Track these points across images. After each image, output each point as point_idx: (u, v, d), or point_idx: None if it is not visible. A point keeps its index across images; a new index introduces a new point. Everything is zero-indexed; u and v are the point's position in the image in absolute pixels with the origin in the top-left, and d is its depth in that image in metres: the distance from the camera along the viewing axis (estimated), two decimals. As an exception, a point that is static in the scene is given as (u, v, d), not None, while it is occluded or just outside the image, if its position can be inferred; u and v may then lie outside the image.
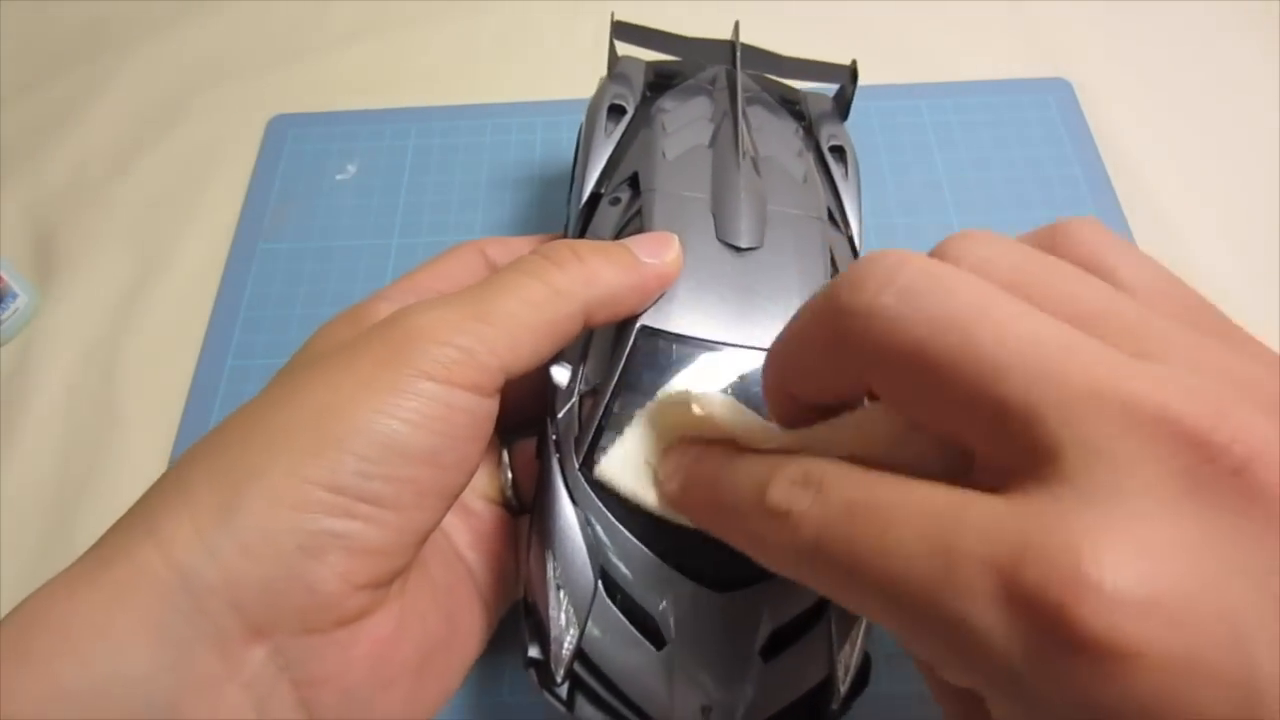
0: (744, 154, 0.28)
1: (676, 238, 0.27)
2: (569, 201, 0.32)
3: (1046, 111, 0.45)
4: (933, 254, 0.18)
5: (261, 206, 0.44)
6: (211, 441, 0.22)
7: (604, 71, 0.35)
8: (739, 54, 0.32)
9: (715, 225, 0.27)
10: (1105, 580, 0.13)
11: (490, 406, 0.23)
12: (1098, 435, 0.14)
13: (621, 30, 0.34)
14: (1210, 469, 0.13)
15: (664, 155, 0.29)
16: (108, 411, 0.39)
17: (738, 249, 0.26)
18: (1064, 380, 0.14)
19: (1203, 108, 0.46)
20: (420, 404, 0.22)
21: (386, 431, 0.21)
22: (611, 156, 0.31)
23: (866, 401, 0.19)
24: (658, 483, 0.23)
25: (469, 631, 0.27)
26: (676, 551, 0.24)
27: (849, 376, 0.17)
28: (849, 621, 0.25)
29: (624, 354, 0.25)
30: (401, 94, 0.48)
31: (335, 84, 0.49)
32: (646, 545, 0.24)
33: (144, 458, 0.37)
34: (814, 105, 0.35)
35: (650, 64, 0.35)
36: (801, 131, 0.33)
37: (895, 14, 0.50)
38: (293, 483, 0.20)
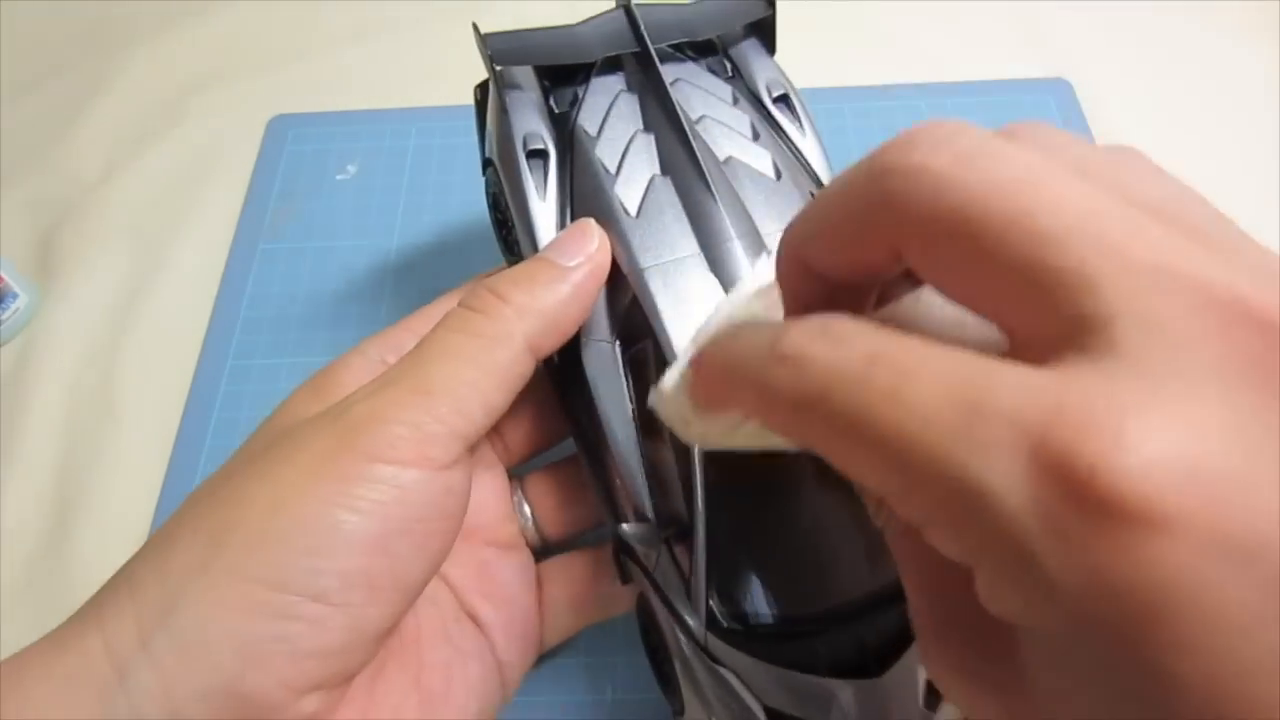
0: (711, 180, 0.26)
1: (593, 221, 0.25)
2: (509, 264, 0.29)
3: (1046, 111, 0.45)
4: (992, 131, 0.17)
5: (261, 206, 0.44)
6: (165, 533, 0.22)
7: None
8: (644, 30, 0.29)
9: (724, 292, 0.24)
10: (1146, 447, 0.12)
11: (450, 480, 0.22)
12: (1158, 310, 0.13)
13: (495, 45, 0.28)
14: (1277, 357, 0.12)
15: (625, 210, 0.26)
16: (108, 411, 0.39)
17: None
18: (1126, 253, 0.13)
19: (1202, 108, 0.46)
20: (367, 489, 0.21)
21: (331, 522, 0.20)
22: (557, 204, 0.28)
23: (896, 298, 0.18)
24: (681, 375, 0.21)
25: (479, 706, 0.26)
26: (827, 659, 0.23)
27: (882, 244, 0.16)
28: None
29: (699, 491, 0.23)
30: (401, 94, 0.48)
31: (335, 84, 0.49)
32: (796, 668, 0.23)
33: (144, 458, 0.37)
34: (729, 38, 0.31)
35: (536, 67, 0.30)
36: (736, 95, 0.29)
37: (896, 14, 0.50)
38: (233, 580, 0.20)
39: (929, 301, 0.18)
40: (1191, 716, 0.12)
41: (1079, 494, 0.12)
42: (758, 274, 0.23)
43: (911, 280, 0.19)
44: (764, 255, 0.24)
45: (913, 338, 0.15)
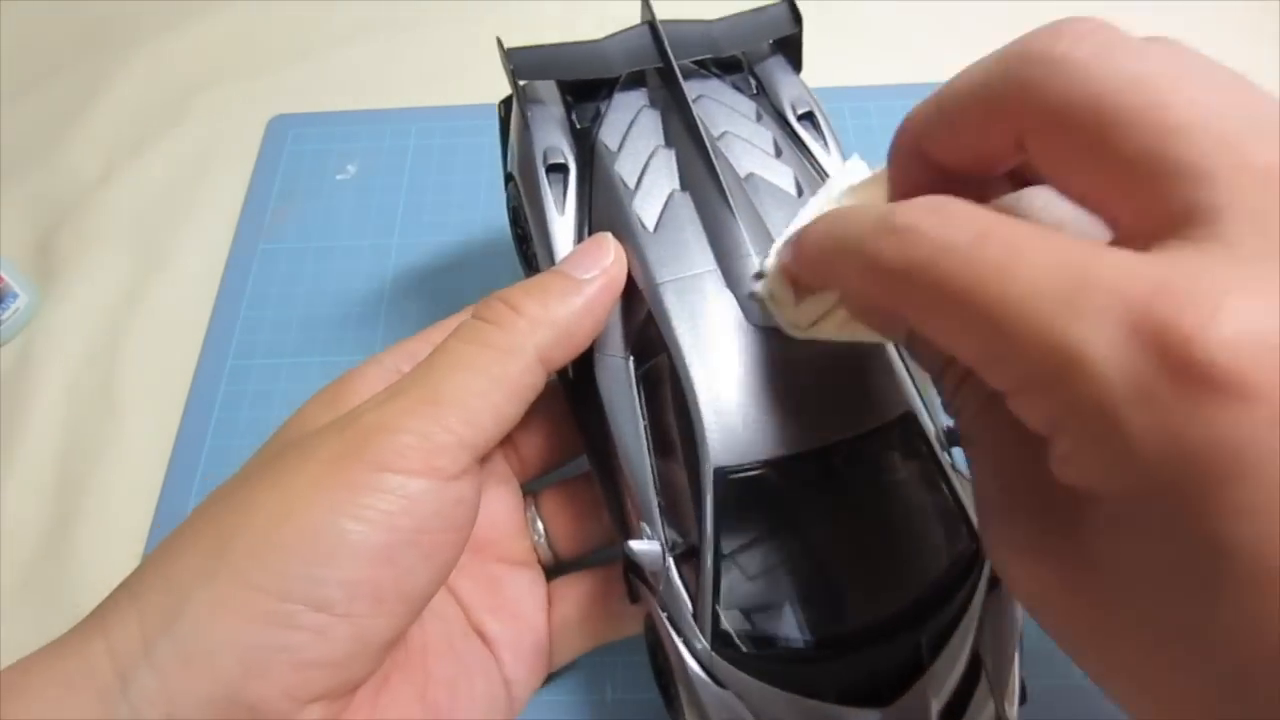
0: (731, 195, 0.25)
1: (610, 235, 0.25)
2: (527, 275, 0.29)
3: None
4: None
5: (261, 206, 0.44)
6: (171, 541, 0.22)
7: None
8: (667, 45, 0.28)
9: (740, 308, 0.24)
10: (1240, 321, 0.13)
11: (459, 491, 0.22)
12: (1264, 207, 0.14)
13: (518, 60, 0.28)
14: None
15: (643, 225, 0.26)
16: (108, 412, 0.39)
17: (773, 328, 0.24)
18: (1244, 152, 0.14)
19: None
20: (374, 498, 0.21)
21: (337, 531, 0.20)
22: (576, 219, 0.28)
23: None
24: (777, 259, 0.22)
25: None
26: (835, 686, 0.23)
27: (1009, 130, 0.17)
28: (1003, 668, 0.24)
29: (709, 509, 0.23)
30: (401, 94, 0.48)
31: (335, 84, 0.49)
32: (803, 694, 0.23)
33: (144, 458, 0.37)
34: (755, 56, 0.31)
35: (560, 83, 0.30)
36: (760, 112, 0.29)
37: (895, 14, 0.50)
38: (237, 589, 0.20)
39: (1030, 202, 0.19)
40: (1238, 579, 0.13)
41: (1172, 360, 0.13)
42: (849, 172, 0.24)
43: (1013, 183, 0.20)
44: (854, 155, 0.25)
45: (1024, 221, 0.16)
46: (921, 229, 0.16)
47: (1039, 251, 0.15)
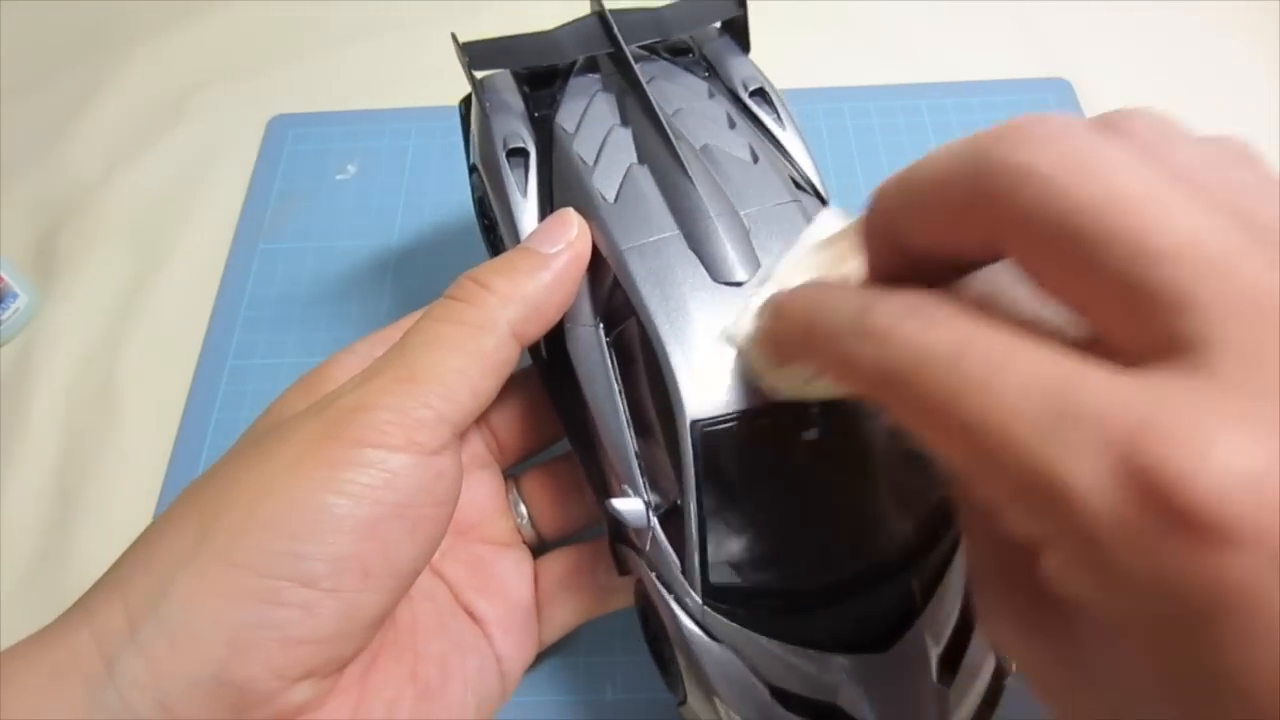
0: (688, 164, 0.26)
1: (572, 210, 0.26)
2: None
3: (1046, 111, 0.45)
4: (1095, 124, 0.17)
5: (261, 206, 0.44)
6: (154, 526, 0.22)
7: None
8: (616, 31, 0.29)
9: (704, 267, 0.25)
10: (1228, 466, 0.12)
11: (440, 465, 0.22)
12: (1253, 339, 0.13)
13: (473, 52, 0.30)
14: None
15: (603, 197, 0.26)
16: (108, 412, 0.39)
17: (738, 283, 0.24)
18: (1227, 279, 0.13)
19: (1202, 107, 0.46)
20: (356, 473, 0.21)
21: (319, 506, 0.20)
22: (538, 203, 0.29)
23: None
24: (756, 325, 0.22)
25: (477, 701, 0.26)
26: (830, 634, 0.23)
27: (979, 234, 0.16)
28: None
29: (689, 462, 0.23)
30: (401, 94, 0.48)
31: (335, 84, 0.49)
32: (802, 644, 0.23)
33: (144, 458, 0.37)
34: (704, 39, 0.32)
35: (516, 74, 0.32)
36: (712, 90, 0.30)
37: (896, 14, 0.50)
38: (221, 568, 0.20)
39: (1013, 274, 0.18)
40: (1231, 702, 0.13)
41: (1158, 504, 0.12)
42: (821, 224, 0.24)
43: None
44: (828, 209, 0.25)
45: (1002, 328, 0.15)
46: (898, 334, 0.16)
47: (1021, 368, 0.14)
